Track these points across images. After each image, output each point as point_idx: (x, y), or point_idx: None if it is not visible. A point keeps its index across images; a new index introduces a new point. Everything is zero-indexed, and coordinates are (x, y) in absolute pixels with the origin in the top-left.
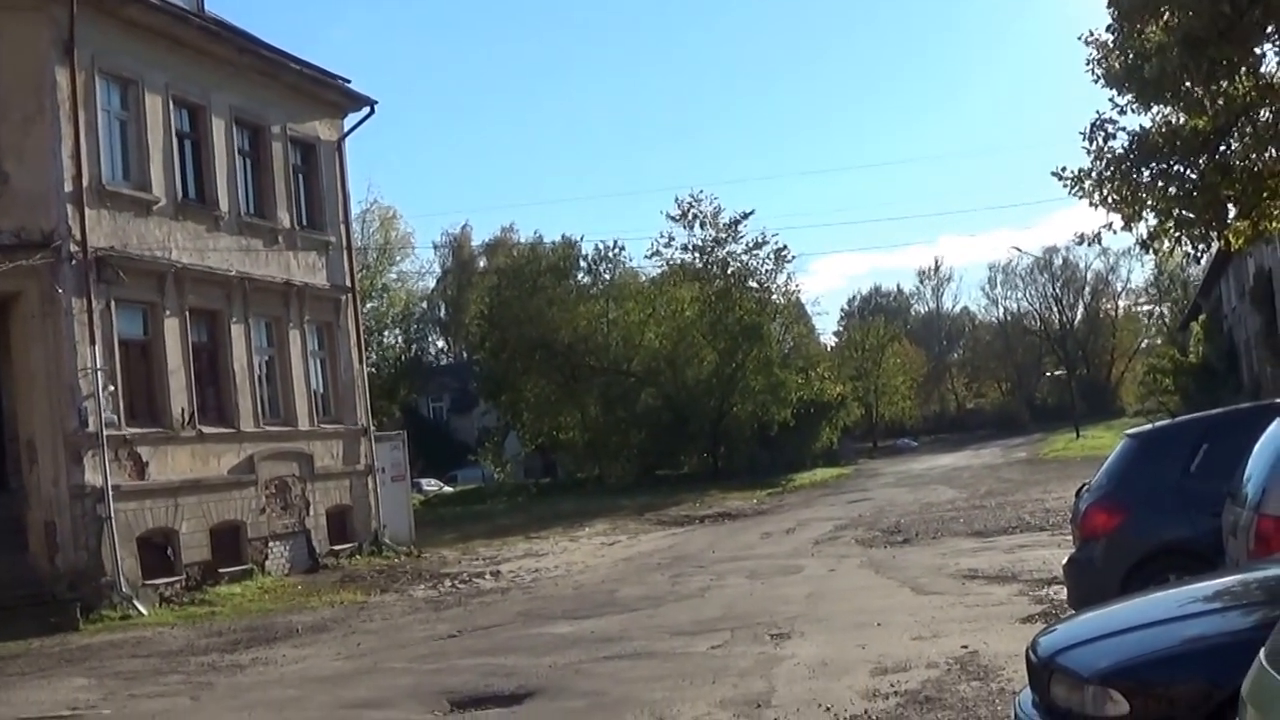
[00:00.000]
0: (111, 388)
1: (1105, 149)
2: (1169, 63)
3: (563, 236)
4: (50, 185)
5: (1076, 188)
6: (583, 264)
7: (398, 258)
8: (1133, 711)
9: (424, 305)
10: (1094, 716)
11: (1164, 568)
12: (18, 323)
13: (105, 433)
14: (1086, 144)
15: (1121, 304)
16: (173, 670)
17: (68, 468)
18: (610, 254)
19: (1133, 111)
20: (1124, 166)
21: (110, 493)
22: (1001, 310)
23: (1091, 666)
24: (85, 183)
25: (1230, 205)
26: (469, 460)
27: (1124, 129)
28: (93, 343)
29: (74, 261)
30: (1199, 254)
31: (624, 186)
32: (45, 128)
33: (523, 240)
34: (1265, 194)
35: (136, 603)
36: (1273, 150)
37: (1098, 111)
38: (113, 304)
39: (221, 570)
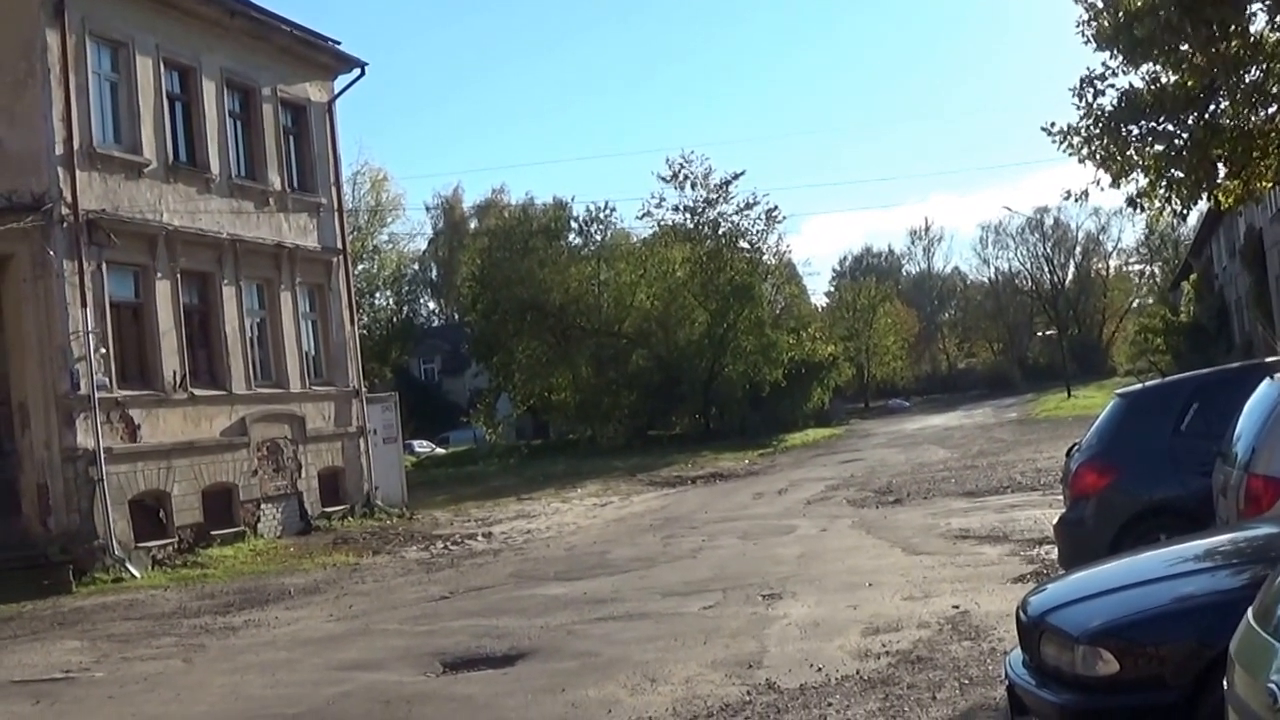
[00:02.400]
0: (103, 350)
1: (1095, 106)
2: (1160, 23)
3: (554, 198)
4: (41, 148)
5: (1065, 144)
6: (574, 225)
7: (389, 219)
8: (1123, 670)
9: (415, 267)
10: (1084, 676)
11: (1154, 527)
12: (9, 286)
13: (97, 395)
14: (1076, 100)
15: (1113, 264)
16: (165, 632)
17: (60, 430)
18: (601, 215)
19: (1122, 72)
20: (1113, 124)
21: (102, 455)
22: (993, 270)
23: (1082, 626)
24: (76, 145)
25: (1220, 164)
26: (461, 422)
27: (1113, 86)
28: (84, 305)
29: (65, 224)
30: (1185, 212)
31: (615, 148)
32: (36, 91)
33: (514, 202)
34: (1255, 153)
35: (129, 565)
36: (1262, 109)
37: (1088, 68)
38: (104, 266)
39: (214, 532)
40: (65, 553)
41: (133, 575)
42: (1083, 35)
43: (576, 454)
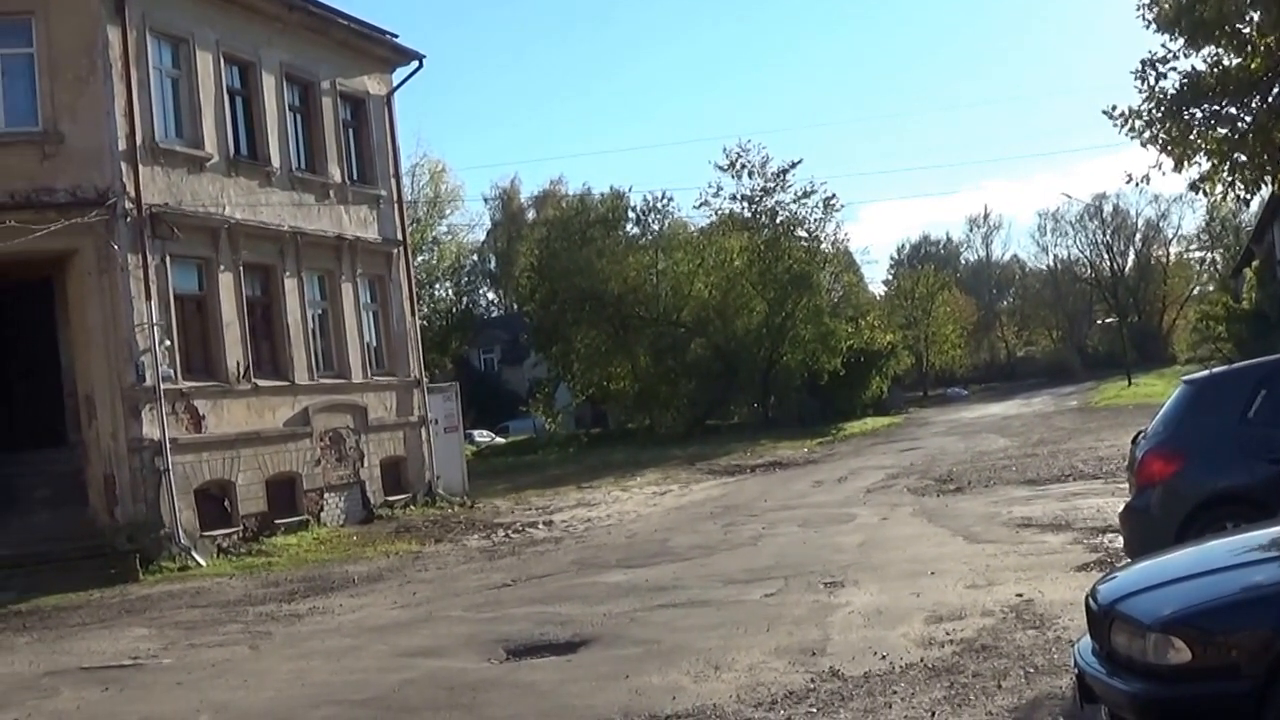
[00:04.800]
0: (168, 342)
1: (1156, 89)
2: (1228, 5)
3: (611, 188)
4: (104, 143)
5: (1127, 126)
6: (631, 215)
7: (447, 211)
8: (1195, 659)
9: (474, 258)
10: (1156, 664)
11: (1221, 515)
12: (75, 280)
13: (162, 387)
14: (1138, 83)
15: (1173, 250)
16: (231, 620)
17: (126, 422)
18: (659, 205)
19: (1184, 54)
20: (1175, 107)
21: (168, 446)
22: (1051, 258)
23: (1153, 614)
24: (139, 140)
25: None
26: (520, 411)
27: (1175, 69)
28: (149, 298)
29: (129, 218)
30: (1249, 197)
31: (672, 137)
32: (98, 87)
33: (571, 192)
34: None
35: (194, 554)
36: None
37: (1149, 51)
38: (168, 260)
39: (278, 521)
40: (132, 542)
41: (198, 564)
42: (1143, 18)
43: (635, 443)
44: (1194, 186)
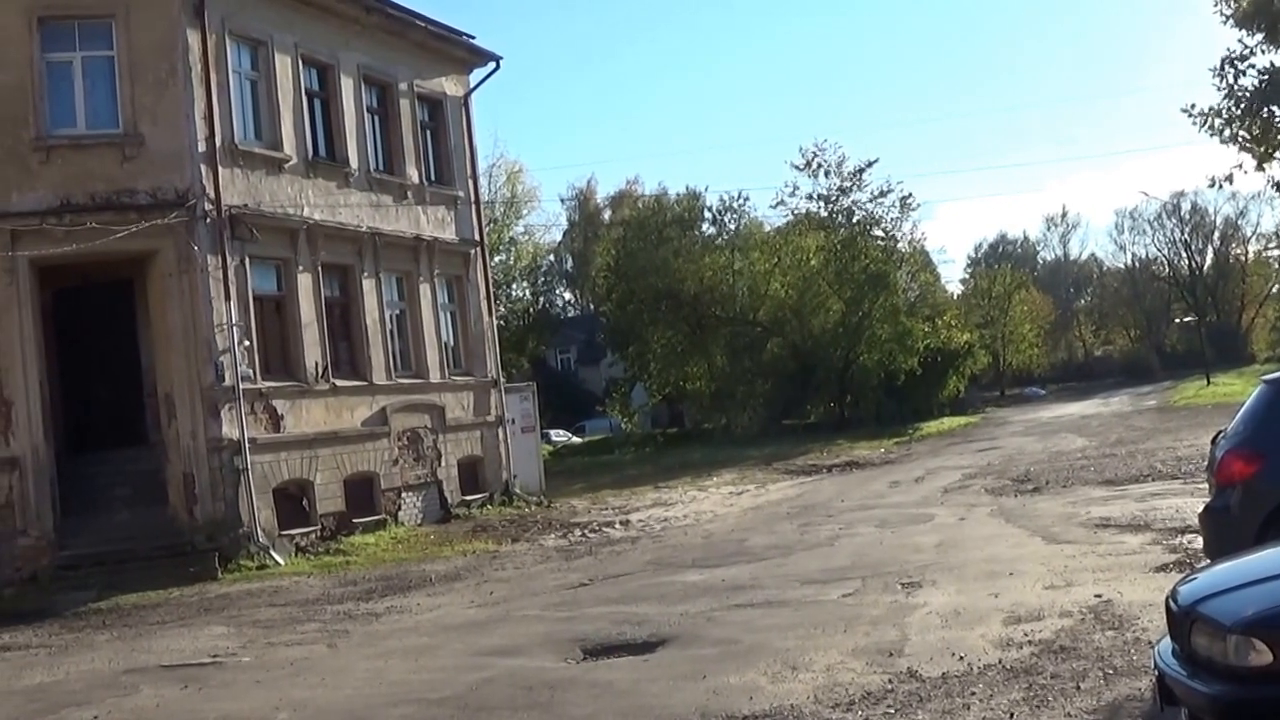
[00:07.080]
0: (247, 343)
1: (1236, 87)
2: None
3: (687, 188)
4: (184, 145)
5: (1206, 125)
6: (708, 215)
7: (524, 211)
8: (1276, 661)
9: (551, 258)
10: (1237, 666)
11: None
12: (155, 281)
13: (241, 387)
14: (1217, 80)
15: (1252, 248)
16: (309, 619)
17: (205, 421)
18: (735, 204)
19: (1262, 52)
20: (1255, 105)
21: (246, 445)
22: (1129, 256)
23: (1234, 615)
24: (218, 142)
25: None
26: (597, 411)
27: (1254, 66)
28: (228, 299)
29: (208, 220)
30: None
31: (748, 137)
32: (178, 89)
33: (648, 192)
34: None
35: (273, 552)
36: None
37: (1228, 48)
38: (247, 261)
39: (355, 520)
40: (211, 540)
41: (277, 562)
42: (1220, 14)
43: (711, 443)
44: (1277, 185)
